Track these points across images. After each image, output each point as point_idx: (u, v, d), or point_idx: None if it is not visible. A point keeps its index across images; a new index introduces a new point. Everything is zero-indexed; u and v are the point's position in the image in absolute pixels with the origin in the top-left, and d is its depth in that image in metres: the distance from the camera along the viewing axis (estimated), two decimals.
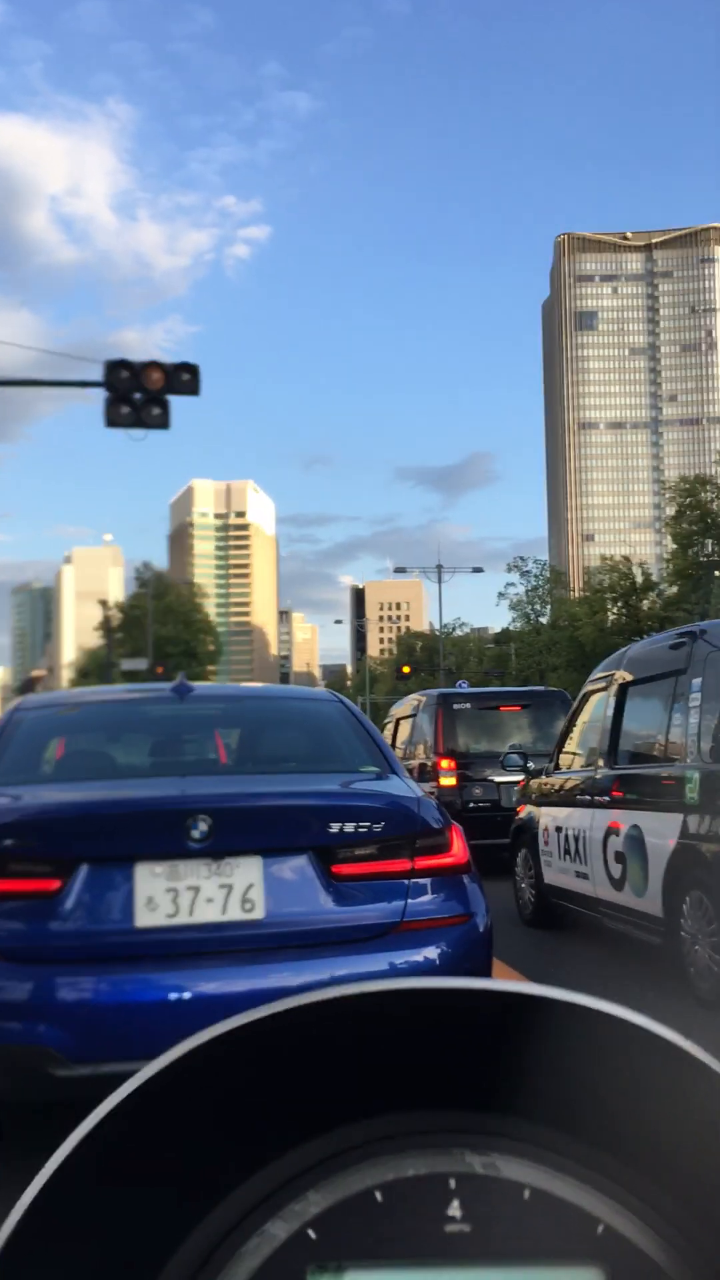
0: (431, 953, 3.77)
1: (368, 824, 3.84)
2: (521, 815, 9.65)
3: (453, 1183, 0.58)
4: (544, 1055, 0.56)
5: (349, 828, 3.80)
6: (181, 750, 5.27)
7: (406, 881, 3.85)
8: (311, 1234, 0.58)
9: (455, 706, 13.58)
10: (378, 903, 3.80)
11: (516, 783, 11.40)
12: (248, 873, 3.69)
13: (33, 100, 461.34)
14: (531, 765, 9.94)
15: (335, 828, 3.79)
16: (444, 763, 13.07)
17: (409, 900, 3.82)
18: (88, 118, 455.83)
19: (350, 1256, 0.57)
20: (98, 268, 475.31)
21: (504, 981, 0.56)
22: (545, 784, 9.15)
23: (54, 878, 3.60)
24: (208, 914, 3.63)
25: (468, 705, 13.68)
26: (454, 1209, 0.57)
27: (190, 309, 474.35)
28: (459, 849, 4.05)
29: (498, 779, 12.63)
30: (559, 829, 8.42)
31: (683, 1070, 0.54)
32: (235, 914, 3.65)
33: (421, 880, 3.87)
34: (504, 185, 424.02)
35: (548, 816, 8.78)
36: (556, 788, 8.78)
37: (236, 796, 4.00)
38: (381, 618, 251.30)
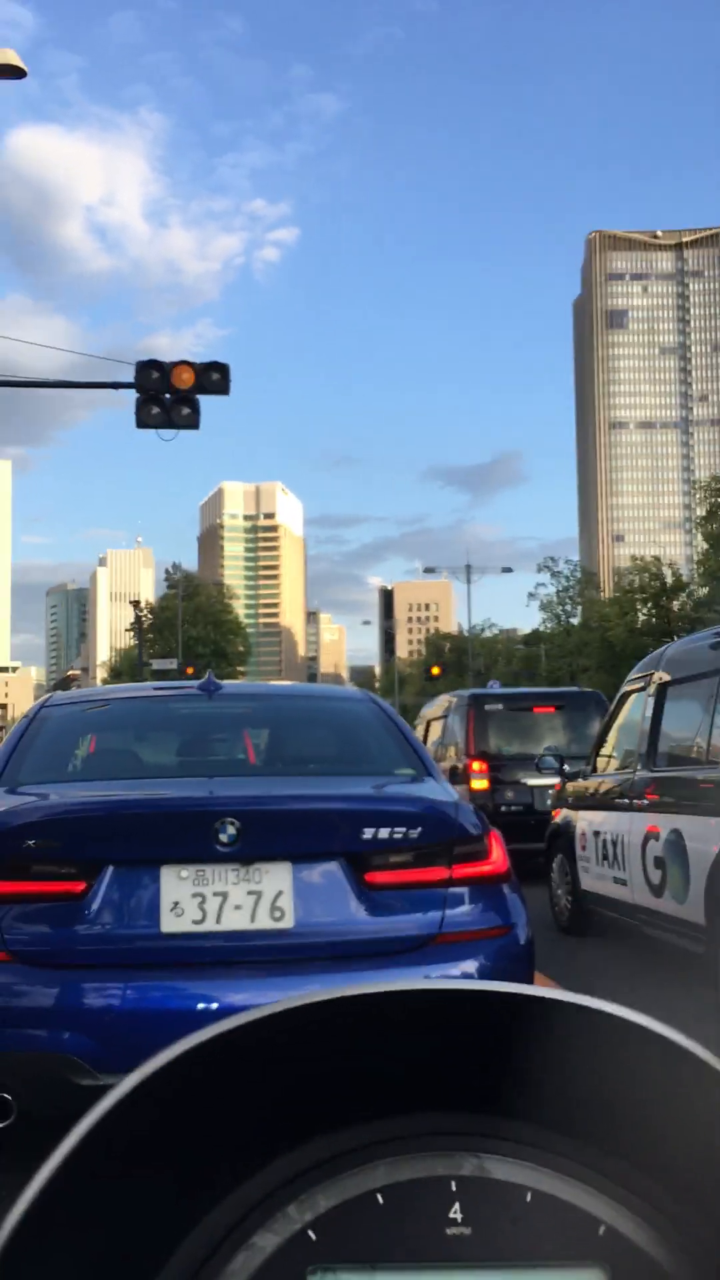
0: (470, 967, 3.60)
1: (403, 829, 3.67)
2: (557, 819, 9.45)
3: (454, 1185, 0.58)
4: (544, 1056, 0.56)
5: (383, 833, 3.64)
6: (209, 750, 5.11)
7: (444, 891, 3.68)
8: (312, 1235, 0.57)
9: (487, 707, 13.33)
10: (413, 913, 3.64)
11: (551, 786, 11.19)
12: (277, 879, 3.53)
13: (67, 111, 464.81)
14: (567, 768, 9.74)
15: (369, 833, 3.63)
16: (475, 765, 12.84)
17: (446, 911, 3.65)
18: (120, 128, 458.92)
19: (351, 1259, 0.57)
20: (130, 274, 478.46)
21: (504, 983, 0.56)
22: (582, 787, 8.96)
23: (79, 880, 3.47)
24: (235, 921, 3.48)
25: (500, 706, 13.43)
26: (455, 1212, 0.57)
27: (220, 313, 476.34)
28: (498, 856, 3.87)
29: (531, 782, 12.40)
30: (596, 833, 8.22)
31: (684, 1069, 0.54)
32: (264, 922, 3.49)
33: (459, 889, 3.70)
34: (535, 183, 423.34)
35: (585, 821, 8.58)
36: (593, 791, 8.58)
37: (266, 799, 3.85)
38: (410, 619, 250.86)
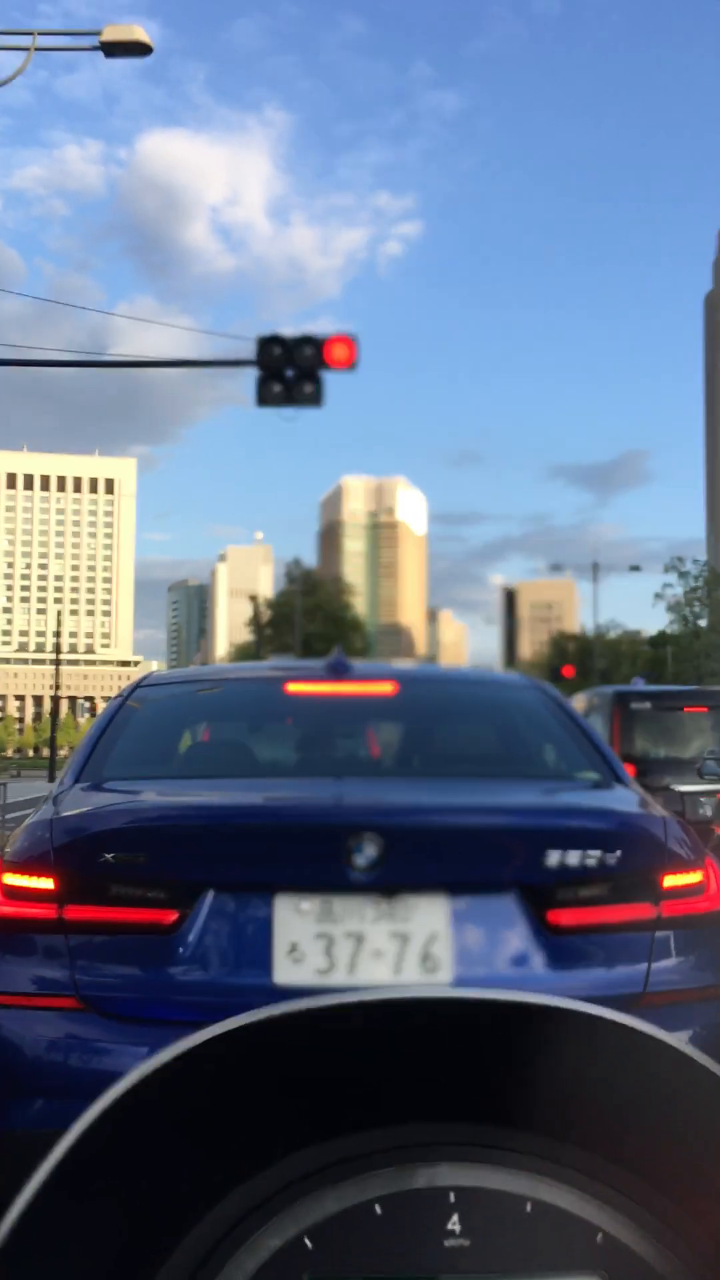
0: (681, 1039, 2.65)
1: (598, 852, 2.77)
2: None
3: (453, 1196, 0.57)
4: (543, 1064, 0.55)
5: (572, 858, 2.74)
6: (337, 744, 4.17)
7: (649, 936, 2.77)
8: (308, 1243, 0.57)
9: (633, 706, 12.18)
10: (610, 966, 2.75)
11: (708, 793, 10.09)
12: (430, 917, 2.65)
13: (194, 114, 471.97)
14: None
15: (553, 857, 2.73)
16: None
17: (652, 963, 2.75)
18: (245, 128, 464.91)
19: (347, 1269, 0.56)
20: (252, 273, 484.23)
21: (500, 991, 0.55)
22: None
23: (170, 907, 2.66)
24: (374, 973, 2.61)
25: (647, 705, 12.26)
26: (453, 1223, 0.57)
27: (342, 309, 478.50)
28: (717, 889, 2.94)
29: (681, 788, 11.27)
30: None
31: (683, 1075, 0.53)
32: (412, 975, 2.61)
33: (669, 934, 2.80)
34: (663, 177, 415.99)
35: None
36: None
37: (415, 809, 2.97)
38: (532, 618, 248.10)
